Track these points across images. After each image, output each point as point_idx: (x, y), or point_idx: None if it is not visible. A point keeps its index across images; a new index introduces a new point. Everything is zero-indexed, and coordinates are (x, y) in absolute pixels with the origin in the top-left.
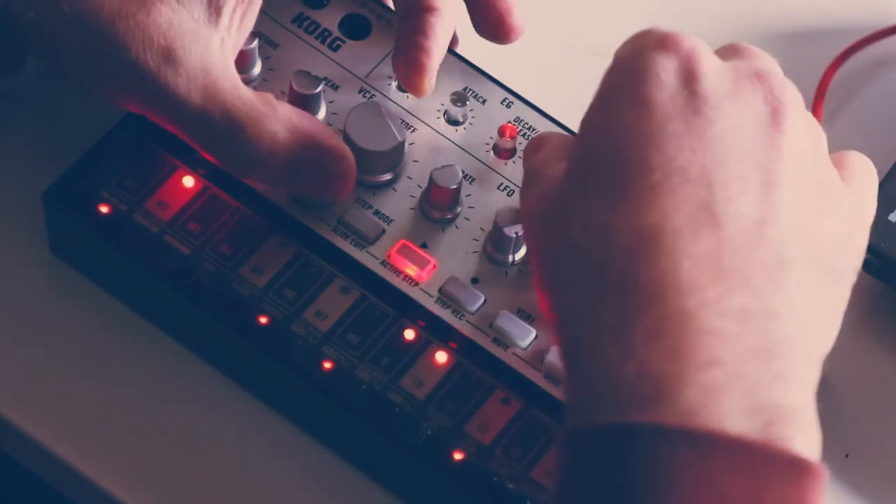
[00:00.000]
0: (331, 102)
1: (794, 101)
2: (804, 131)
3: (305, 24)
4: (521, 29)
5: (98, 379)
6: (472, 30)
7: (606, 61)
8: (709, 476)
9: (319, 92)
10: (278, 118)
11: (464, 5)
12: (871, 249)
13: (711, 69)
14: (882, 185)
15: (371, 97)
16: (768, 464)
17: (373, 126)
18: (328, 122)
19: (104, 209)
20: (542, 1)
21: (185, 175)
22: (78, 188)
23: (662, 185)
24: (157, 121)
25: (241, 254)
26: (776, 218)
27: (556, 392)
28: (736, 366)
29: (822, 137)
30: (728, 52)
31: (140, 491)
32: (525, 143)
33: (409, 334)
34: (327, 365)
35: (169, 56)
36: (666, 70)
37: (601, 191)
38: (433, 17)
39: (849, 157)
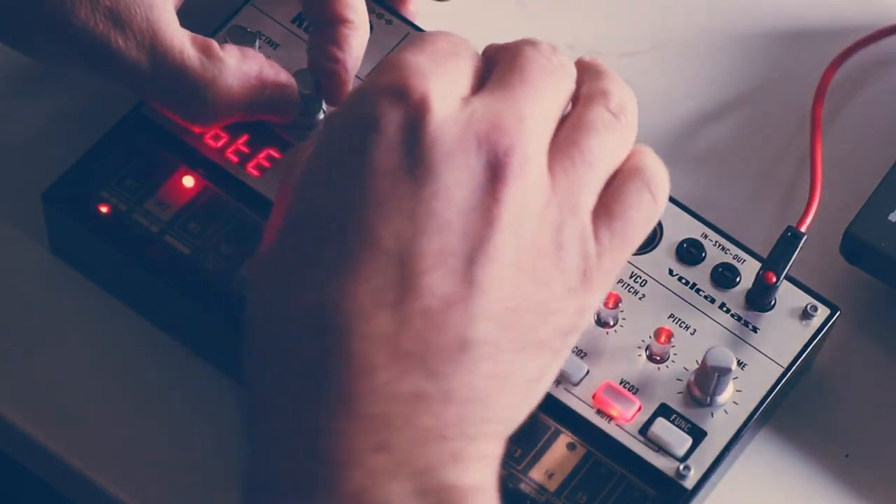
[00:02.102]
0: None
1: (524, 160)
2: (533, 194)
3: (306, 23)
4: None
5: (98, 378)
6: (474, 31)
7: (607, 61)
8: None
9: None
10: (229, 72)
11: None
12: (871, 249)
13: (439, 122)
14: (882, 185)
15: None
16: None
17: None
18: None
19: (104, 209)
20: (544, 0)
21: (185, 175)
22: (78, 188)
23: (354, 257)
24: (111, 82)
25: (241, 254)
26: (467, 296)
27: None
28: (403, 450)
29: (600, 171)
30: (502, 70)
31: (140, 491)
32: None
33: None
34: None
35: (116, 17)
36: (390, 120)
37: (296, 252)
38: (347, 29)
39: (628, 183)
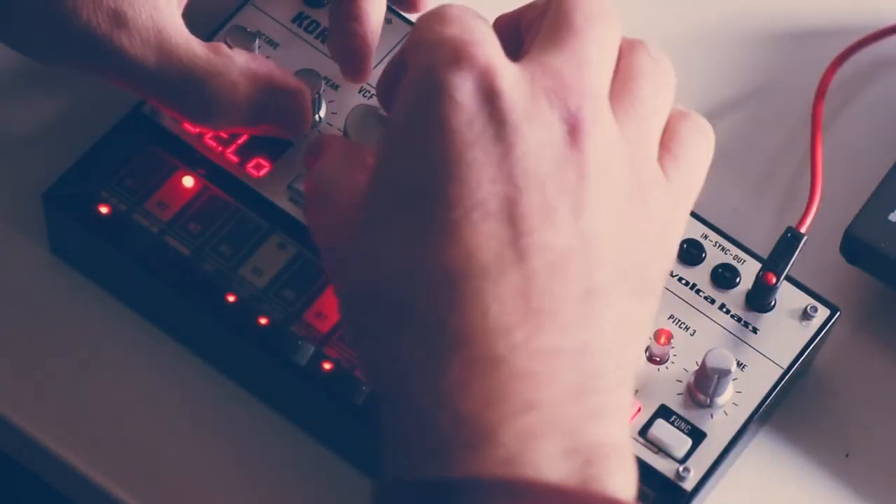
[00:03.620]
0: (331, 102)
1: (594, 111)
2: (609, 142)
3: (305, 23)
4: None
5: (98, 379)
6: None
7: None
8: None
9: (320, 92)
10: (235, 68)
11: None
12: (871, 249)
13: (509, 84)
14: (882, 185)
15: (371, 97)
16: None
17: (373, 126)
18: (328, 122)
19: (104, 209)
20: None
21: (185, 175)
22: (78, 188)
23: (464, 222)
24: (114, 83)
25: (241, 254)
26: (582, 245)
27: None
28: (551, 407)
29: (657, 118)
30: (548, 27)
31: (140, 491)
32: None
33: None
34: (327, 366)
35: (120, 18)
36: (461, 91)
37: (405, 224)
38: (364, 2)
39: (677, 127)
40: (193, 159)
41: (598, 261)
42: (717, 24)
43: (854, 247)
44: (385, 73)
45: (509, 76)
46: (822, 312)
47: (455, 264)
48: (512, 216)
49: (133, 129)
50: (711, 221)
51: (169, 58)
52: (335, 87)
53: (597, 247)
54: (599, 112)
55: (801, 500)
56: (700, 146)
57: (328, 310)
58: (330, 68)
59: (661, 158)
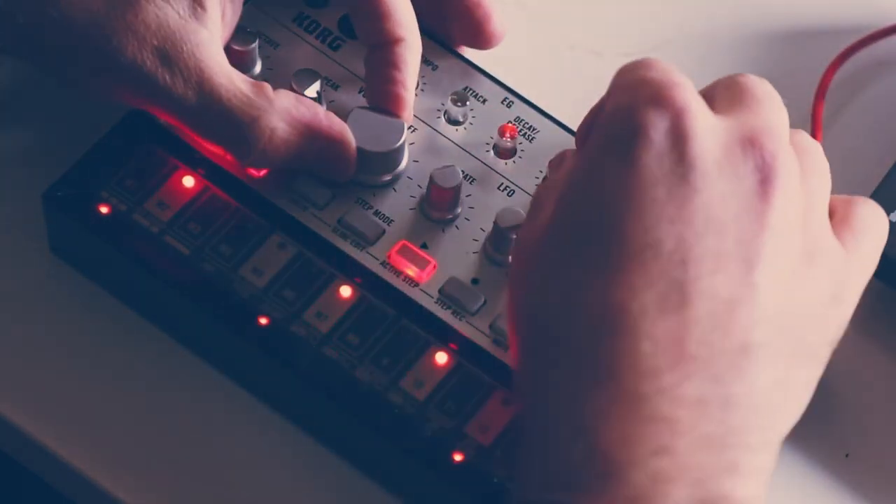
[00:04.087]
0: (331, 102)
1: (786, 164)
2: (795, 198)
3: (306, 23)
4: (501, 35)
5: (98, 379)
6: None
7: (607, 61)
8: None
9: (320, 92)
10: (276, 111)
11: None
12: None
13: (703, 129)
14: (882, 185)
15: None
16: None
17: (373, 126)
18: None
19: (104, 209)
20: (544, 1)
21: (185, 175)
22: (78, 188)
23: (635, 258)
24: (158, 116)
25: (241, 254)
26: (749, 298)
27: None
28: (686, 455)
29: (823, 192)
30: (726, 96)
31: (140, 491)
32: (525, 143)
33: (410, 335)
34: (327, 365)
35: (164, 55)
36: (657, 129)
37: (576, 255)
38: (400, 48)
39: (856, 208)
40: (193, 159)
41: (763, 316)
42: (717, 24)
43: None
44: (585, 118)
45: (705, 121)
46: None
47: (617, 299)
48: (684, 260)
49: (133, 129)
50: None
51: (210, 96)
52: (335, 86)
53: (764, 301)
54: (792, 164)
55: (801, 500)
56: (880, 227)
57: (328, 310)
58: (329, 68)
59: (839, 232)
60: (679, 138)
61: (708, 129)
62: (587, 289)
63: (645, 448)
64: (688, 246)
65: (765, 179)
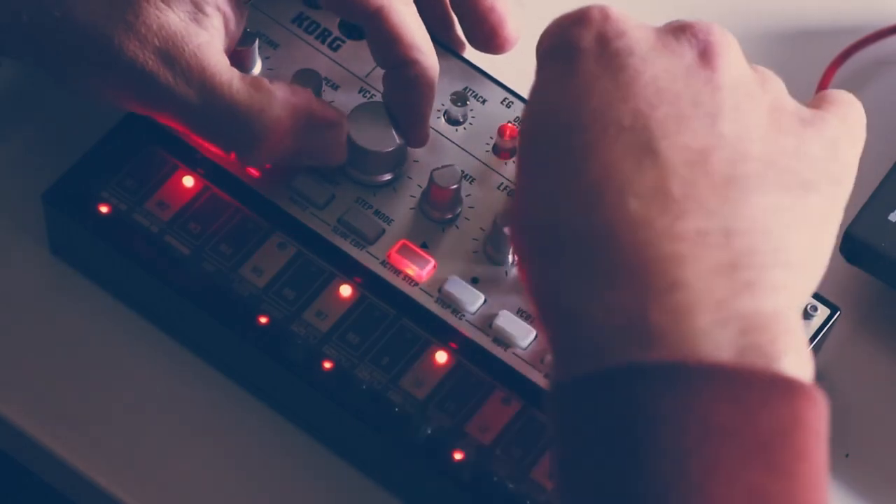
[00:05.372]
0: (331, 102)
1: (723, 43)
2: (741, 65)
3: (305, 23)
4: (515, 40)
5: (98, 379)
6: None
7: None
8: (691, 408)
9: (319, 92)
10: (278, 103)
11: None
12: (871, 249)
13: (630, 27)
14: (882, 185)
15: (371, 97)
16: (750, 385)
17: (373, 126)
18: None
19: (104, 209)
20: (544, 1)
21: (185, 175)
22: (78, 188)
23: (600, 140)
24: (160, 119)
25: (241, 254)
26: (721, 144)
27: None
28: (699, 283)
29: (775, 79)
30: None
31: (140, 491)
32: None
33: (410, 334)
34: (327, 365)
35: (166, 56)
36: (585, 39)
37: (548, 161)
38: (417, 70)
39: (830, 93)
40: (193, 159)
41: (741, 155)
42: (717, 24)
43: (854, 247)
44: None
45: (631, 21)
46: (822, 312)
47: (595, 177)
48: (647, 126)
49: (133, 130)
50: None
51: (213, 96)
52: (335, 87)
53: (736, 145)
54: (731, 46)
55: None
56: (854, 103)
57: (328, 309)
58: (329, 68)
59: (814, 108)
60: (610, 38)
61: (636, 26)
62: (566, 181)
63: (656, 287)
64: (645, 115)
65: (703, 52)
